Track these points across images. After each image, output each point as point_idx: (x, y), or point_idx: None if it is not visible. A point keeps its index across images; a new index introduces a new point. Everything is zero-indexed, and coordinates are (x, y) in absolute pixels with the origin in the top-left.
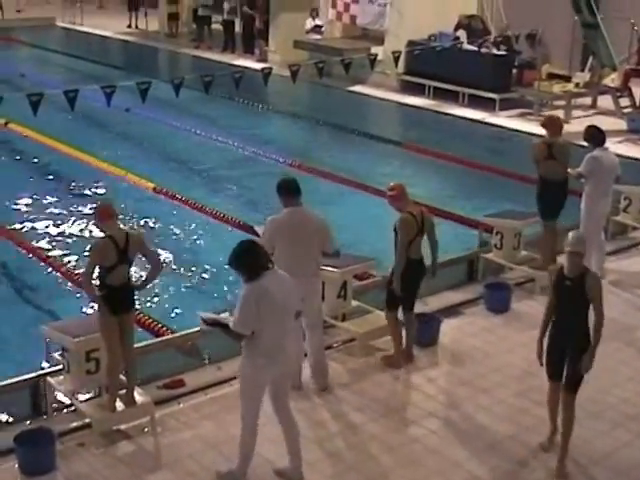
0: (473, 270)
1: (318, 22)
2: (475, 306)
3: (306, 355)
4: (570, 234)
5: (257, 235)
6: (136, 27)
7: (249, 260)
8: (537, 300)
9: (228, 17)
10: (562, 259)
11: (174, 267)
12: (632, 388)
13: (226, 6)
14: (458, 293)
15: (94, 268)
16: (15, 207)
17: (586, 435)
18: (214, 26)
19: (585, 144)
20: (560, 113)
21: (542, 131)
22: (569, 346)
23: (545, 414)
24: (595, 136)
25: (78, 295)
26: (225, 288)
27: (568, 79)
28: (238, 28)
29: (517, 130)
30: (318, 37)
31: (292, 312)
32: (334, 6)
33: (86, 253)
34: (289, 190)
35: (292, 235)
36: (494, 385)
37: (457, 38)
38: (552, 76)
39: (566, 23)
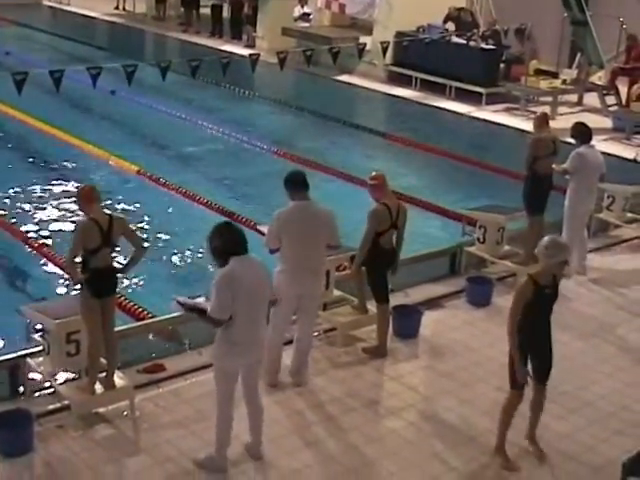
0: (455, 263)
1: (307, 10)
2: (457, 299)
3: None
4: (553, 242)
5: (262, 234)
6: (123, 9)
7: (222, 239)
8: None
9: (216, 2)
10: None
11: (156, 251)
12: (611, 385)
13: None
14: (440, 286)
15: (77, 250)
16: None
17: (564, 430)
18: (202, 10)
19: (570, 140)
20: (546, 109)
21: (528, 126)
22: (539, 348)
23: (525, 408)
24: (582, 133)
25: (60, 277)
26: (207, 273)
27: (555, 75)
28: (226, 13)
29: (503, 125)
30: (306, 25)
31: (264, 300)
32: None
33: (68, 235)
34: (297, 183)
35: (300, 229)
36: (474, 378)
37: (446, 30)
38: (539, 72)
39: (555, 19)
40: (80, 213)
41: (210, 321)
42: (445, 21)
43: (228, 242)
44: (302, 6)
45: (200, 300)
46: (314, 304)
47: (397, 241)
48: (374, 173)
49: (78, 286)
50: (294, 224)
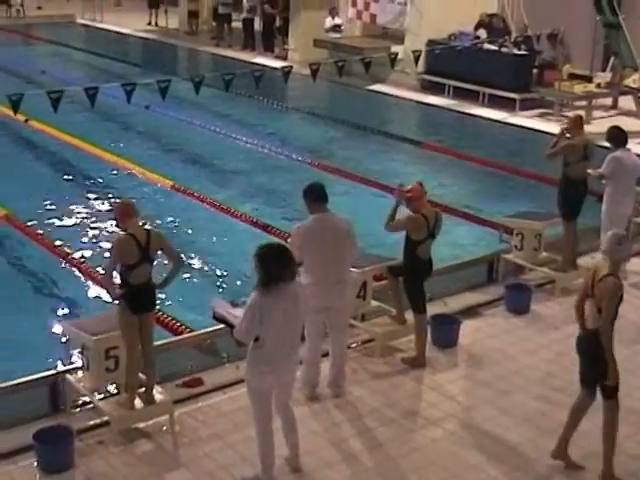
0: (493, 271)
1: (337, 21)
2: (495, 307)
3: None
4: (621, 236)
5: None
6: (156, 25)
7: (272, 266)
8: (557, 302)
9: (248, 15)
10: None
11: (193, 265)
12: None
13: (246, 4)
14: (478, 294)
15: (115, 266)
16: (35, 205)
17: None
18: (234, 24)
19: (605, 145)
20: (581, 113)
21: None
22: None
23: (565, 417)
24: (617, 136)
25: (98, 293)
26: (245, 288)
27: (589, 79)
28: (258, 26)
29: (537, 130)
30: (338, 36)
31: (298, 322)
32: (354, 5)
33: (106, 251)
34: (316, 196)
35: (323, 241)
36: (514, 387)
37: (477, 37)
38: (573, 76)
39: (588, 23)
40: (118, 229)
41: (234, 339)
42: (477, 28)
43: (282, 268)
44: (333, 17)
45: (238, 312)
46: (343, 315)
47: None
48: (410, 184)
49: (116, 302)
50: (315, 236)
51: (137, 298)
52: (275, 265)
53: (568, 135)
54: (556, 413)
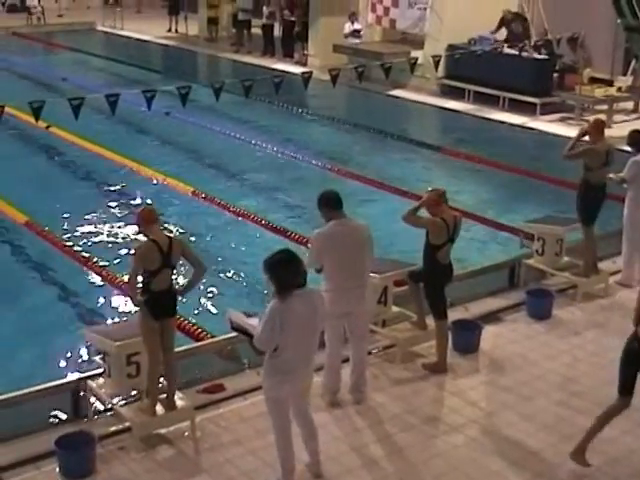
0: (514, 276)
1: (357, 26)
2: (516, 312)
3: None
4: None
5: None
6: (176, 31)
7: (283, 273)
8: (579, 307)
9: (267, 21)
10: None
11: (214, 271)
12: None
13: (265, 11)
14: (499, 299)
15: (138, 272)
16: (56, 211)
17: (635, 446)
18: (253, 30)
19: (626, 149)
20: (602, 117)
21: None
22: None
23: (588, 423)
24: (638, 141)
25: (119, 299)
26: (265, 292)
27: (610, 83)
28: (277, 32)
29: (558, 135)
30: (357, 41)
31: (319, 330)
32: (374, 10)
33: (127, 257)
34: (331, 203)
35: (341, 247)
36: (535, 393)
37: (496, 41)
38: (594, 80)
39: (608, 26)
40: (140, 235)
41: (253, 348)
42: (499, 25)
43: (295, 273)
44: (352, 23)
45: (253, 321)
46: (363, 321)
47: None
48: (430, 189)
49: (138, 308)
50: (334, 242)
51: (158, 304)
52: (286, 271)
53: (587, 139)
54: (577, 419)
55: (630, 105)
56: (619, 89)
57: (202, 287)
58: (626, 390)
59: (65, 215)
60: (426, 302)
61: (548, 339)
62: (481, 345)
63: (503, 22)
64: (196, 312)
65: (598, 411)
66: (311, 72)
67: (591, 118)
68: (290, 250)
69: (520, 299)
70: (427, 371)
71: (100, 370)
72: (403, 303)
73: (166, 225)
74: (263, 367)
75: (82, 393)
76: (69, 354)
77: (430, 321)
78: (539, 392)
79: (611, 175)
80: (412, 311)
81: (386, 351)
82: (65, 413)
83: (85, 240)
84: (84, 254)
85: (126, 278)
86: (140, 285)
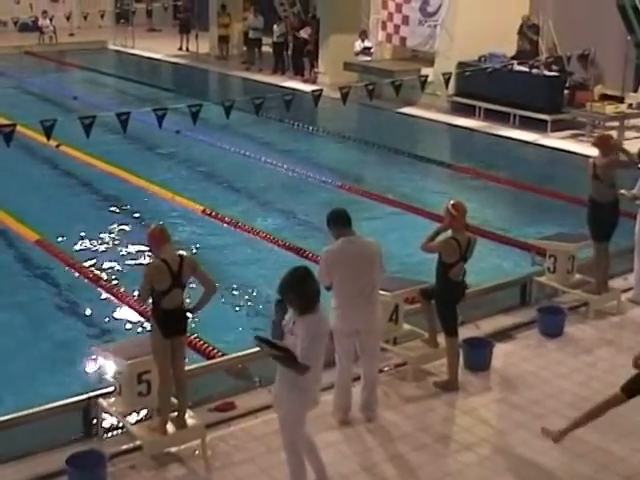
0: (526, 294)
1: (367, 44)
2: (528, 330)
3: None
4: None
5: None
6: (187, 50)
7: (306, 288)
8: (591, 324)
9: (278, 39)
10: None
11: (225, 289)
12: None
13: (276, 29)
14: (511, 317)
15: (147, 291)
16: (67, 229)
17: None
18: (264, 48)
19: None
20: (613, 134)
21: (595, 152)
22: None
23: (599, 441)
24: None
25: (131, 317)
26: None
27: (621, 100)
28: (288, 50)
29: (570, 151)
30: (367, 59)
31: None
32: (384, 28)
33: (139, 275)
34: (340, 221)
35: (351, 264)
36: (548, 411)
37: (505, 57)
38: (605, 97)
39: (619, 43)
40: (150, 253)
41: (296, 367)
42: (519, 32)
43: (314, 289)
44: (363, 40)
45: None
46: (373, 338)
47: None
48: (454, 202)
49: (149, 326)
50: (343, 259)
51: (169, 322)
52: (306, 287)
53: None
54: (590, 437)
55: None
56: (630, 106)
57: (214, 305)
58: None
59: (76, 233)
60: (438, 320)
61: (560, 357)
62: (493, 363)
63: (522, 29)
64: (207, 330)
65: (611, 428)
66: (321, 90)
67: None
68: (299, 266)
69: (532, 317)
70: (438, 389)
71: (111, 388)
72: (414, 321)
73: (176, 243)
74: (283, 386)
75: (93, 411)
76: (80, 372)
77: (441, 339)
78: (551, 410)
79: (623, 191)
80: (423, 329)
81: (397, 369)
82: (76, 431)
83: (95, 257)
84: (95, 272)
85: (136, 296)
86: (151, 304)
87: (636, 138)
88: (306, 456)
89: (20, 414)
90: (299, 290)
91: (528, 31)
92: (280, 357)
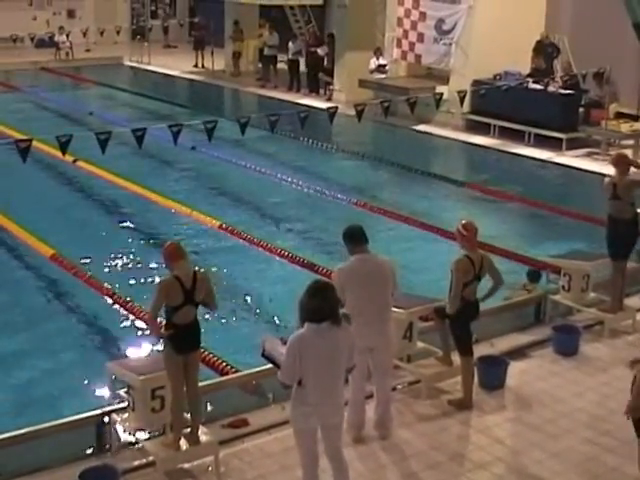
0: (540, 312)
1: (382, 61)
2: (543, 349)
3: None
4: None
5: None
6: (202, 66)
7: (309, 301)
8: (606, 343)
9: (293, 57)
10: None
11: (241, 305)
12: None
13: (292, 47)
14: (525, 335)
15: (158, 308)
16: (82, 244)
17: None
18: (279, 65)
19: None
20: (629, 152)
21: (610, 171)
22: None
23: (616, 462)
24: None
25: (144, 333)
26: (290, 327)
27: (636, 118)
28: (303, 67)
29: (585, 170)
30: (382, 76)
31: (341, 366)
32: (399, 45)
33: (153, 291)
34: (355, 237)
35: (364, 282)
36: (563, 431)
37: (520, 75)
38: (620, 115)
39: (634, 61)
40: (165, 268)
41: (279, 381)
42: (535, 49)
43: (325, 307)
44: (378, 58)
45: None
46: (386, 356)
47: (495, 283)
48: (465, 222)
49: (162, 342)
50: (357, 278)
51: (182, 338)
52: (313, 299)
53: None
54: (606, 457)
55: None
56: None
57: (229, 321)
58: None
59: (91, 248)
60: (452, 338)
61: (575, 376)
62: (507, 381)
63: (539, 46)
64: (221, 346)
65: (627, 450)
66: (337, 107)
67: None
68: (328, 282)
69: (546, 335)
70: (453, 407)
71: (124, 404)
72: (429, 338)
73: (193, 259)
74: (292, 399)
75: (106, 427)
76: (93, 387)
77: (455, 357)
78: (566, 430)
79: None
80: (437, 347)
81: (411, 387)
82: (89, 446)
83: (110, 273)
84: (109, 287)
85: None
86: (164, 320)
87: None
88: (333, 477)
89: (34, 428)
90: (304, 298)
91: (547, 49)
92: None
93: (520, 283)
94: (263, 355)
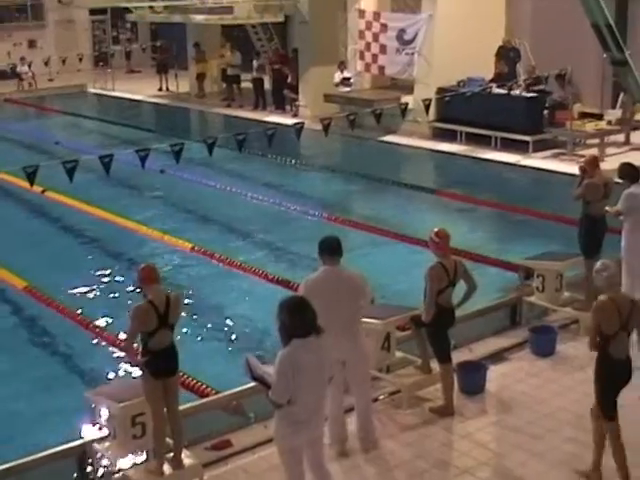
0: (516, 314)
1: (346, 74)
2: (520, 351)
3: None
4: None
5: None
6: (167, 89)
7: (294, 317)
8: (582, 341)
9: (257, 75)
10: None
11: (217, 325)
12: None
13: (255, 64)
14: (503, 338)
15: (135, 335)
16: (54, 274)
17: None
18: (243, 84)
19: (619, 181)
20: (594, 151)
21: (577, 170)
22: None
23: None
24: (630, 173)
25: (122, 360)
26: (268, 345)
27: (600, 117)
28: (267, 85)
29: (552, 171)
30: (347, 89)
31: (325, 379)
32: (362, 58)
33: (128, 318)
34: (330, 249)
35: (329, 294)
36: (545, 431)
37: (484, 81)
38: (584, 115)
39: (595, 61)
40: (138, 294)
41: (270, 401)
42: (497, 54)
43: (297, 324)
44: (342, 71)
45: (269, 369)
46: (360, 368)
47: (469, 289)
48: (437, 229)
49: (140, 368)
50: (323, 290)
51: (159, 364)
52: (295, 315)
53: (586, 175)
54: (589, 455)
55: (621, 138)
56: (609, 122)
57: (206, 342)
58: None
59: (63, 277)
60: (430, 346)
61: (554, 376)
62: (487, 385)
63: (501, 51)
64: (198, 368)
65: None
66: (303, 123)
67: (584, 152)
68: (297, 295)
69: (523, 337)
70: (435, 415)
71: (105, 432)
72: (407, 348)
73: (166, 283)
74: (275, 417)
75: (88, 457)
76: (73, 418)
77: (435, 364)
78: (549, 430)
79: (607, 208)
80: (416, 355)
81: (392, 397)
82: (72, 478)
83: (84, 301)
84: (83, 315)
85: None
86: (140, 345)
87: (618, 154)
88: None
89: (15, 463)
90: (288, 315)
91: (509, 54)
92: (265, 390)
93: (514, 284)
94: (253, 378)
